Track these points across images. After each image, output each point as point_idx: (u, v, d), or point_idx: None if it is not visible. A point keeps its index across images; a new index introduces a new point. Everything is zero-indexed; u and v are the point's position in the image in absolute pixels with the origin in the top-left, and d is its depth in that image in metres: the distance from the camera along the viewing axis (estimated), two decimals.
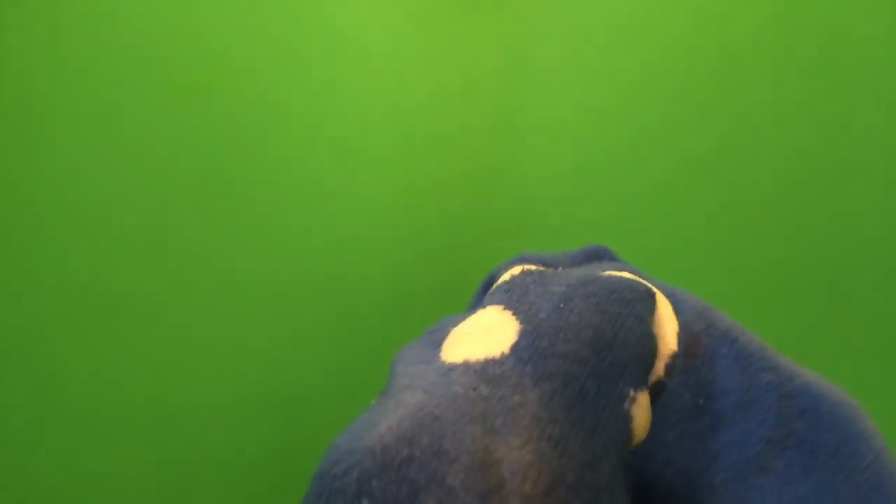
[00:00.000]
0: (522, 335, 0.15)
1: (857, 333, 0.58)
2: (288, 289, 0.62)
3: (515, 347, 0.15)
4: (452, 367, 0.15)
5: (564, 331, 0.15)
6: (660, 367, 0.16)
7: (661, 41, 0.60)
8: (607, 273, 0.18)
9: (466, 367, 0.15)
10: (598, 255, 0.21)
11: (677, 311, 0.17)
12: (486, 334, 0.16)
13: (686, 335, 0.17)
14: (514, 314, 0.16)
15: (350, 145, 0.61)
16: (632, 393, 0.15)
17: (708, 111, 0.59)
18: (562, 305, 0.16)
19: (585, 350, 0.15)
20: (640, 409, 0.15)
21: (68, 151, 0.62)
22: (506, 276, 0.19)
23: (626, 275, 0.18)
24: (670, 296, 0.18)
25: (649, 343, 0.16)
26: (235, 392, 0.57)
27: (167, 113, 0.62)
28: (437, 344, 0.17)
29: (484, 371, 0.14)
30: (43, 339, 0.61)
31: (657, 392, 0.17)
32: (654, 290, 0.17)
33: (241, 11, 0.62)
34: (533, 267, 0.19)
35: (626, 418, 0.14)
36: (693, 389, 0.16)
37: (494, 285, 0.19)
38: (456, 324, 0.18)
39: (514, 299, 0.17)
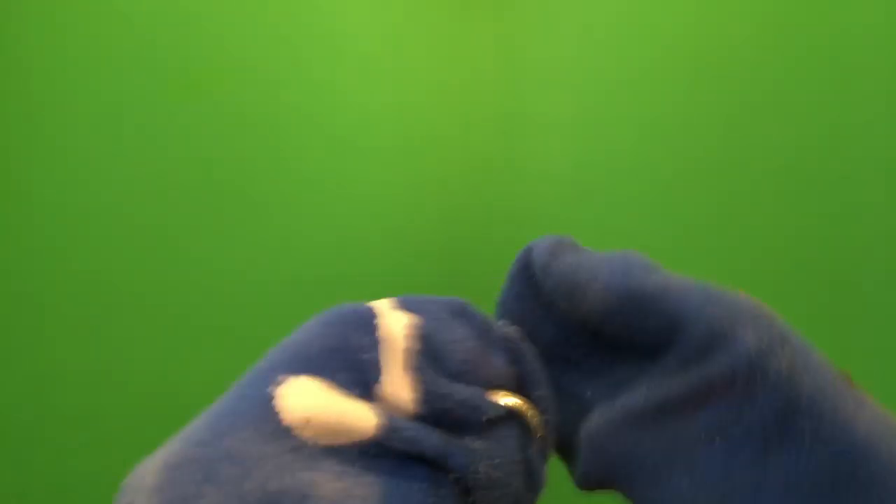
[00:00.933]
0: None
1: (860, 331, 0.58)
2: (288, 287, 0.62)
3: None
4: None
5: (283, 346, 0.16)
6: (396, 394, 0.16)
7: (661, 41, 0.60)
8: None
9: None
10: None
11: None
12: None
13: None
14: None
15: (350, 145, 0.61)
16: (281, 378, 0.15)
17: (708, 110, 0.59)
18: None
19: (261, 360, 0.16)
20: (294, 390, 0.15)
21: (68, 152, 0.62)
22: None
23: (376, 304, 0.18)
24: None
25: (332, 340, 0.16)
26: None
27: (167, 113, 0.62)
28: None
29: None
30: (43, 339, 0.61)
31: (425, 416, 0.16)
32: (378, 314, 0.17)
33: (241, 12, 0.62)
34: None
35: (267, 397, 0.15)
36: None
37: None
38: None
39: None
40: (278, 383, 0.15)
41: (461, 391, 0.16)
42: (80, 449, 0.58)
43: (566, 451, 0.19)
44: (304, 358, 0.16)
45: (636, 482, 0.16)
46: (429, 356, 0.17)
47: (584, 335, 0.18)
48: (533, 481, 0.18)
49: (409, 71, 0.61)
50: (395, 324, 0.17)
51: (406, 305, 0.18)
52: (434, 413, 0.16)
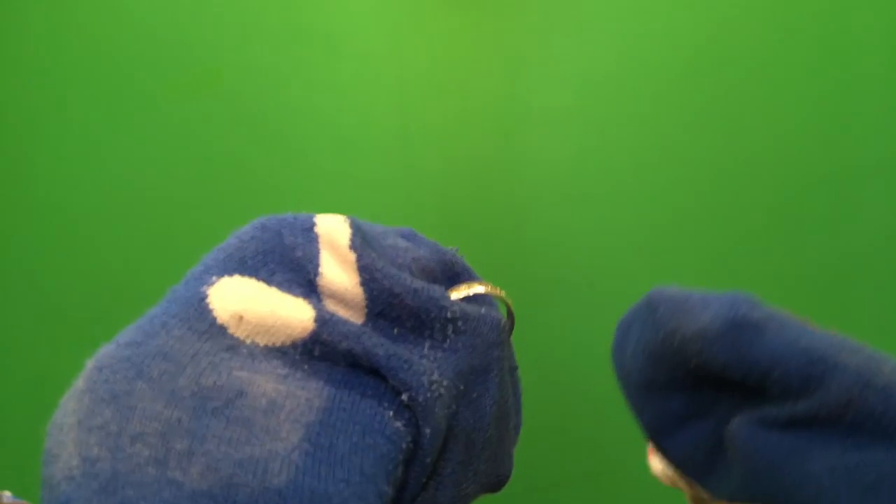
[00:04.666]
0: None
1: (860, 331, 0.58)
2: None
3: None
4: None
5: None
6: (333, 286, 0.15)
7: (661, 42, 0.60)
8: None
9: None
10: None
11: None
12: None
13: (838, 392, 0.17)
14: None
15: (350, 144, 0.61)
16: (213, 279, 0.15)
17: (708, 111, 0.59)
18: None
19: (200, 262, 0.16)
20: (225, 288, 0.14)
21: (69, 151, 0.62)
22: None
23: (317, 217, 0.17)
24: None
25: (264, 243, 0.15)
26: None
27: (168, 112, 0.62)
28: None
29: None
30: (43, 339, 0.61)
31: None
32: (313, 216, 0.16)
33: (243, 12, 0.62)
34: None
35: (200, 296, 0.14)
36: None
37: None
38: None
39: None
40: (211, 284, 0.15)
41: (413, 280, 0.15)
42: None
43: (700, 469, 0.20)
44: (238, 259, 0.15)
45: (778, 479, 0.17)
46: (367, 244, 0.15)
47: (686, 366, 0.19)
48: (515, 387, 0.18)
49: (410, 70, 0.61)
50: (332, 220, 0.16)
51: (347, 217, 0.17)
52: (385, 302, 0.15)
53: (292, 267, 0.15)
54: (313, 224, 0.16)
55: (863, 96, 0.59)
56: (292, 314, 0.14)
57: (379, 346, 0.14)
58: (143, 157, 0.60)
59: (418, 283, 0.15)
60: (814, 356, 0.17)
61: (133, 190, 0.60)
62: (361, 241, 0.15)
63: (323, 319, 0.14)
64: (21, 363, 0.61)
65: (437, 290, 0.15)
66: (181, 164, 0.60)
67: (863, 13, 0.58)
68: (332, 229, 0.16)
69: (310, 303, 0.14)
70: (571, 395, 0.61)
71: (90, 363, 0.14)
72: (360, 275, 0.15)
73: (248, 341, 0.14)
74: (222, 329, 0.14)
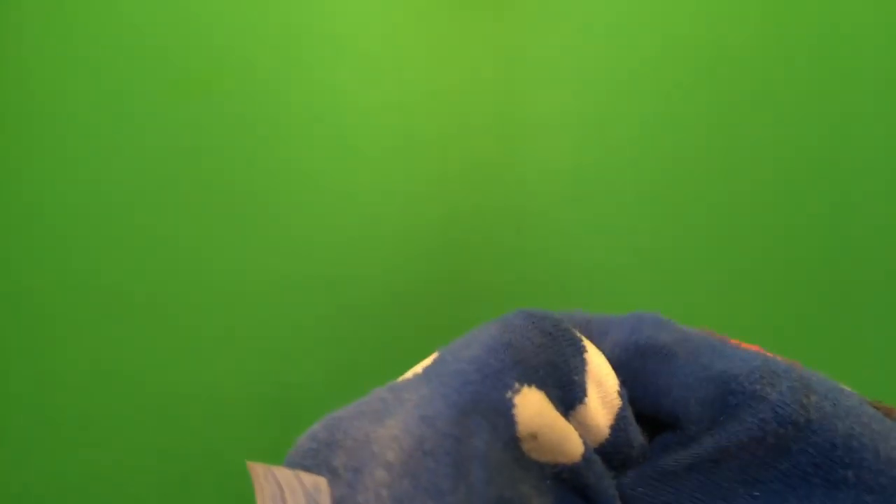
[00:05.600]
0: (435, 358, 0.17)
1: (860, 331, 0.58)
2: (288, 288, 0.62)
3: (426, 367, 0.17)
4: (379, 389, 0.18)
5: (469, 342, 0.17)
6: (600, 395, 0.17)
7: (660, 41, 0.60)
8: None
9: (387, 386, 0.17)
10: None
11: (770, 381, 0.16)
12: (414, 366, 0.18)
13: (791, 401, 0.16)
14: (439, 351, 0.18)
15: (350, 145, 0.61)
16: (517, 385, 0.15)
17: (707, 110, 0.60)
18: (475, 330, 0.18)
19: (480, 351, 0.16)
20: (528, 402, 0.15)
21: (69, 151, 0.62)
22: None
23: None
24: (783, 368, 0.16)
25: (554, 355, 0.17)
26: (236, 392, 0.57)
27: (168, 113, 0.62)
28: None
29: (393, 385, 0.17)
30: (43, 339, 0.61)
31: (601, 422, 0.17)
32: (583, 338, 0.18)
33: (241, 12, 0.62)
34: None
35: (508, 405, 0.15)
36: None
37: None
38: None
39: (447, 345, 0.19)
40: (515, 391, 0.15)
41: (636, 434, 0.18)
42: (80, 449, 0.58)
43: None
44: (532, 367, 0.16)
45: None
46: (623, 392, 0.18)
47: None
48: None
49: (409, 71, 0.61)
50: (597, 354, 0.18)
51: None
52: (617, 447, 0.17)
53: (565, 387, 0.17)
54: (584, 349, 0.17)
55: (865, 96, 0.59)
56: (569, 447, 0.16)
57: (607, 488, 0.16)
58: (141, 160, 0.61)
59: (637, 437, 0.18)
60: (729, 385, 0.16)
61: (131, 192, 0.61)
62: (624, 389, 0.17)
63: (589, 462, 0.16)
64: (21, 363, 0.61)
65: (642, 438, 0.18)
66: (180, 167, 0.60)
67: (864, 12, 0.58)
68: (604, 371, 0.17)
69: (579, 436, 0.16)
70: None
71: (404, 436, 0.14)
72: (616, 422, 0.17)
73: (530, 456, 0.15)
74: (518, 442, 0.15)
